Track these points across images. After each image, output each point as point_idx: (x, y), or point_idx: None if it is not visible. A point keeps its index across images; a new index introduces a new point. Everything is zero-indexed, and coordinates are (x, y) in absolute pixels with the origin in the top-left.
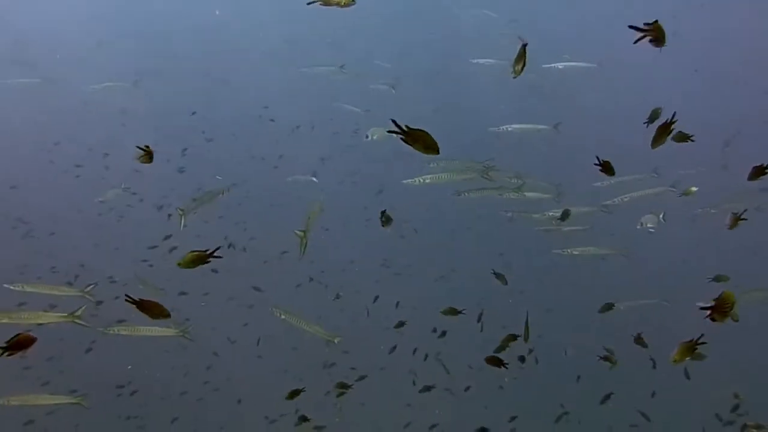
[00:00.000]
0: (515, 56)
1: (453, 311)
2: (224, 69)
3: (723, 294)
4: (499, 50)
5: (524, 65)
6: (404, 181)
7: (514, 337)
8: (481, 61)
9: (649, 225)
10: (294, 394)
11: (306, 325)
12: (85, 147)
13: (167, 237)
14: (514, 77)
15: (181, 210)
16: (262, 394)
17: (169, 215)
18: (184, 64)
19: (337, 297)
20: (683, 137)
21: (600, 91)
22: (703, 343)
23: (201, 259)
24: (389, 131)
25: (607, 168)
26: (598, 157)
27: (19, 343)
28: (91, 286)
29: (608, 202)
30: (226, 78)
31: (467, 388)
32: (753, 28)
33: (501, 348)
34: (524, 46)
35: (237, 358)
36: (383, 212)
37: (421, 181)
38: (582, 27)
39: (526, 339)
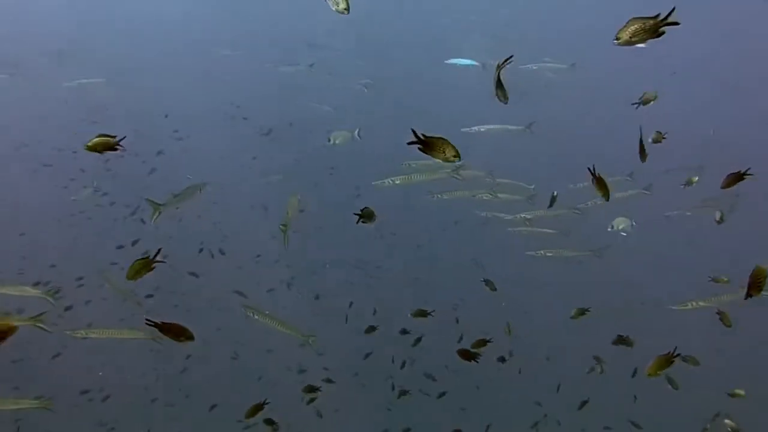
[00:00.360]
0: (494, 81)
1: (422, 313)
2: (201, 68)
3: (756, 269)
4: (482, 53)
5: (505, 92)
6: (374, 183)
7: (484, 342)
8: (454, 61)
9: (620, 228)
10: (257, 409)
11: (280, 326)
12: (56, 145)
13: (135, 242)
14: (505, 103)
15: (156, 204)
16: (236, 399)
17: (142, 220)
18: (159, 61)
19: (317, 298)
20: (659, 137)
21: (577, 93)
22: (677, 354)
23: (147, 266)
24: (409, 142)
25: (600, 184)
26: (594, 169)
27: None
28: (54, 291)
29: (581, 205)
30: (202, 76)
31: (441, 395)
32: (732, 29)
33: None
34: (498, 70)
35: (210, 362)
36: (364, 209)
37: (391, 182)
38: (562, 29)
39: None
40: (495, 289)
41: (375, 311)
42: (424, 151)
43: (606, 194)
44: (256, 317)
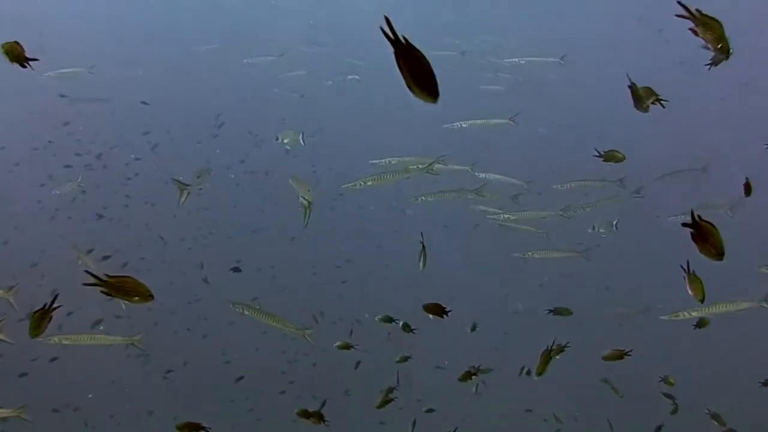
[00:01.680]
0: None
1: (388, 319)
2: (188, 60)
3: None
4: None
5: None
6: (343, 185)
7: (469, 375)
8: (440, 52)
9: (601, 230)
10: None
11: (272, 320)
12: (34, 141)
13: (113, 254)
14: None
15: (183, 185)
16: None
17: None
18: (142, 51)
19: (321, 316)
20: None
21: (567, 91)
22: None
23: (45, 316)
24: (684, 224)
25: (694, 283)
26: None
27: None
28: (14, 288)
29: (571, 213)
30: (188, 69)
31: (429, 410)
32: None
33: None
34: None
35: (197, 374)
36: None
37: (363, 183)
38: (558, 24)
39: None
40: (571, 313)
41: (394, 322)
42: (695, 241)
43: (701, 296)
44: (245, 313)
